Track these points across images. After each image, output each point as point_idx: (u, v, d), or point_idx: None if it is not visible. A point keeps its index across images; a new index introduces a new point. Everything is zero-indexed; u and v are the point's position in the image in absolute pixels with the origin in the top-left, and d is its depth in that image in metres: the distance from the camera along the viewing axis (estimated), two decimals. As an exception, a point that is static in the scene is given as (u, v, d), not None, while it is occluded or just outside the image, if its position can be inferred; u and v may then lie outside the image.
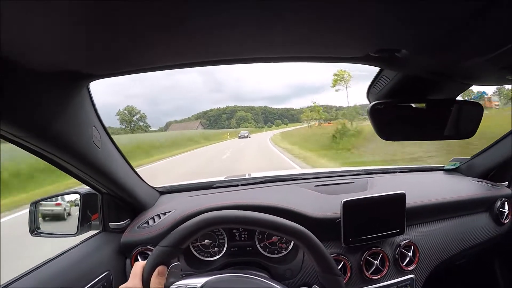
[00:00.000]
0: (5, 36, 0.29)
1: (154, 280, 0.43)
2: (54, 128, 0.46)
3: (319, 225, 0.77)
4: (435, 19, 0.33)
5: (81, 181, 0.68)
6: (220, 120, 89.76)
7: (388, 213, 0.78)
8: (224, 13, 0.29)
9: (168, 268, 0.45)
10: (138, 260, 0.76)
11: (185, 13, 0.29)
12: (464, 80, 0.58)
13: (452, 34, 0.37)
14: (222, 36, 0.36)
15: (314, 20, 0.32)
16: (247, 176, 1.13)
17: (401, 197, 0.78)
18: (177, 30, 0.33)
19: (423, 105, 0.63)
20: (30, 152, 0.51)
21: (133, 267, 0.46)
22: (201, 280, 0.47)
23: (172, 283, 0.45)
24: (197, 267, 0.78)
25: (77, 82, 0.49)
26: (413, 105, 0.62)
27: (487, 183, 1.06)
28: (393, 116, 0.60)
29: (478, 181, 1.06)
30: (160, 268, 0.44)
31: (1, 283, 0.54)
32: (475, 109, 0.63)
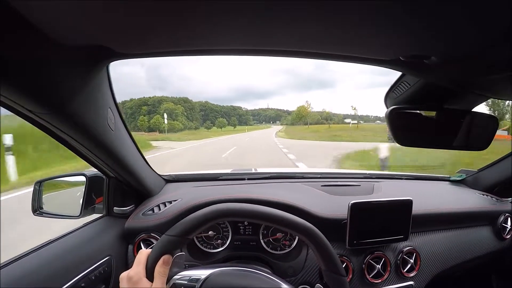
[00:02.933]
0: (36, 3, 0.30)
1: (159, 269, 0.43)
2: (72, 106, 0.46)
3: (324, 224, 0.78)
4: (471, 31, 0.34)
5: (89, 163, 0.69)
6: (139, 114, 67.60)
7: (394, 218, 0.80)
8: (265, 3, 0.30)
9: (172, 258, 0.45)
10: (141, 247, 0.77)
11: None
12: (483, 93, 0.60)
13: (484, 48, 0.38)
14: (257, 26, 0.36)
15: (354, 21, 0.33)
16: (253, 171, 1.14)
17: (408, 204, 0.79)
18: (213, 13, 0.33)
19: (437, 113, 0.64)
20: (43, 130, 0.51)
21: (138, 255, 0.46)
22: (205, 272, 0.48)
23: (176, 273, 0.46)
24: (199, 258, 0.79)
25: (100, 60, 0.48)
26: (429, 113, 0.64)
27: (491, 197, 1.08)
28: (411, 122, 0.61)
29: (483, 195, 1.08)
30: (165, 257, 0.44)
31: (1, 262, 0.55)
32: (490, 122, 0.65)
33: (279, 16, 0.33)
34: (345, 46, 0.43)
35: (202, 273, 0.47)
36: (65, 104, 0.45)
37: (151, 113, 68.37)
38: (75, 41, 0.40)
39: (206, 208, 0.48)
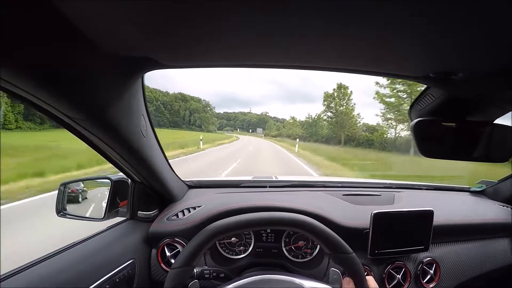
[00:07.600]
0: (89, 15, 0.33)
1: None
2: (109, 113, 0.50)
3: (347, 233, 0.82)
4: (495, 49, 0.39)
5: (117, 168, 0.73)
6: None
7: (415, 228, 0.83)
8: (295, 21, 0.34)
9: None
10: (165, 251, 0.81)
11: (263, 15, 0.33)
12: (505, 105, 0.64)
13: (507, 64, 0.42)
14: (300, 44, 0.41)
15: (390, 41, 0.37)
16: (274, 179, 1.18)
17: (429, 214, 0.82)
18: (250, 29, 0.37)
19: (459, 125, 0.68)
20: (75, 135, 0.54)
21: None
22: None
23: None
24: (221, 264, 0.83)
25: (139, 69, 0.52)
26: (453, 124, 0.68)
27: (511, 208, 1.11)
28: (435, 134, 0.65)
29: (503, 206, 1.11)
30: None
31: (27, 263, 0.58)
32: None
33: (322, 34, 0.37)
34: (376, 63, 0.48)
35: None
36: (103, 111, 0.48)
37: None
38: (124, 51, 0.44)
39: (198, 234, 0.52)
